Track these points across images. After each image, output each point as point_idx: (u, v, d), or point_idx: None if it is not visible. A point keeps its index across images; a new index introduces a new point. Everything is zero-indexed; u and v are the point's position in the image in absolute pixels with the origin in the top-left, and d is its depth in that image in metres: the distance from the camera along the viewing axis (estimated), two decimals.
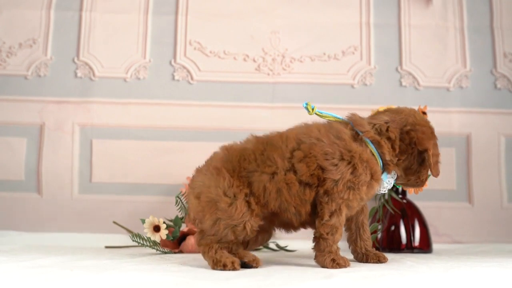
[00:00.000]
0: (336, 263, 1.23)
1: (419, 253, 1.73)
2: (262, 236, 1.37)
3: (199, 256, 1.51)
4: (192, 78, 2.03)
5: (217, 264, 1.20)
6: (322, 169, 1.23)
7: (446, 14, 2.09)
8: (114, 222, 1.86)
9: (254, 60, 2.05)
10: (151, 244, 1.60)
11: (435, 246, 1.85)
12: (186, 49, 2.05)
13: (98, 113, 1.99)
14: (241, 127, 1.99)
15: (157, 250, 1.62)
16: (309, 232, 1.51)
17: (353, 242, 1.39)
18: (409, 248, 1.75)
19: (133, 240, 1.62)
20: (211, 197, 1.24)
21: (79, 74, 2.02)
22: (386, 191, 1.36)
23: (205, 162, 1.34)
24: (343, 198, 1.23)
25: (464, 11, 2.09)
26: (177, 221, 1.66)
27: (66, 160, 1.96)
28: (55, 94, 2.00)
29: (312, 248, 1.27)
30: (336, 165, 1.23)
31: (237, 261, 1.21)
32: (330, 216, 1.23)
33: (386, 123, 1.30)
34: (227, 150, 1.31)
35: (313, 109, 1.31)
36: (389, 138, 1.28)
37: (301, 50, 2.05)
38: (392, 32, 2.08)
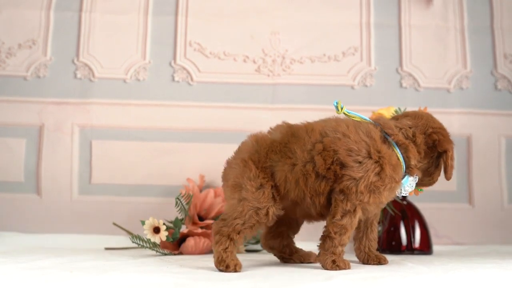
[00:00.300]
0: (336, 264, 1.22)
1: (420, 254, 1.73)
2: (293, 230, 1.41)
3: (199, 258, 1.51)
4: (192, 79, 2.03)
5: (221, 264, 1.20)
6: (342, 165, 1.23)
7: (446, 15, 2.09)
8: (114, 224, 1.85)
9: (254, 61, 2.04)
10: (151, 245, 1.60)
11: (435, 247, 1.85)
12: (186, 50, 2.05)
13: (97, 114, 1.99)
14: (241, 128, 1.98)
15: (157, 251, 1.61)
16: (309, 234, 1.51)
17: (358, 239, 1.39)
18: (409, 249, 1.74)
19: (133, 242, 1.61)
20: (237, 181, 1.28)
21: (78, 75, 2.02)
22: (407, 194, 1.36)
23: (234, 153, 1.36)
24: (361, 201, 1.22)
25: (464, 11, 2.09)
26: (177, 223, 1.66)
27: (65, 161, 1.96)
28: (55, 95, 2.00)
29: (318, 246, 1.27)
30: (360, 162, 1.22)
31: (240, 264, 1.21)
32: (342, 216, 1.23)
33: (410, 128, 1.31)
34: (256, 142, 1.32)
35: (342, 108, 1.31)
36: (415, 143, 1.29)
37: (301, 51, 2.05)
38: (392, 33, 2.08)
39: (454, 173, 1.98)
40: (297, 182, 1.25)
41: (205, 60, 2.04)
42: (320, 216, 1.32)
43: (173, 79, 2.03)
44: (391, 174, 1.23)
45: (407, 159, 1.28)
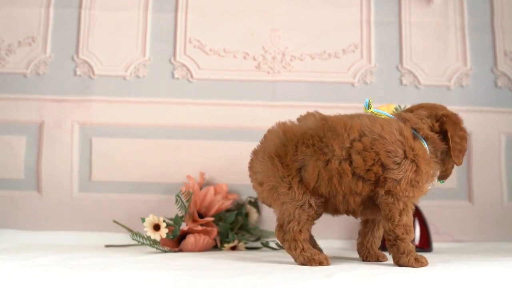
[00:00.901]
0: (420, 262, 1.24)
1: (419, 252, 1.73)
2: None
3: (200, 255, 1.51)
4: (192, 76, 2.03)
5: (312, 263, 1.24)
6: (383, 166, 1.23)
7: (446, 12, 2.09)
8: (114, 221, 1.85)
9: (254, 58, 2.04)
10: (151, 243, 1.60)
11: (435, 245, 1.85)
12: (186, 47, 2.04)
13: (97, 111, 1.98)
14: (241, 126, 1.98)
15: (157, 249, 1.61)
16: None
17: (363, 234, 1.41)
18: None
19: (133, 239, 1.61)
20: (271, 184, 1.30)
21: (78, 72, 2.01)
22: (433, 187, 1.36)
23: (260, 143, 1.37)
24: (407, 196, 1.24)
25: (464, 9, 2.09)
26: (177, 220, 1.66)
27: (65, 158, 1.96)
28: (54, 93, 1.99)
29: (389, 252, 1.28)
30: (399, 163, 1.23)
31: (327, 257, 1.26)
32: (400, 215, 1.24)
33: (428, 117, 1.32)
34: (283, 133, 1.31)
35: (370, 107, 1.31)
36: (433, 131, 1.31)
37: (301, 48, 2.05)
38: (392, 30, 2.08)
39: (454, 171, 1.99)
40: (331, 179, 1.25)
41: (205, 57, 2.04)
42: (347, 213, 1.33)
43: (173, 76, 2.03)
44: (427, 169, 1.26)
45: (434, 151, 1.29)
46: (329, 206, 1.31)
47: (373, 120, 1.28)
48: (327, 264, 1.25)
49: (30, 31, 2.03)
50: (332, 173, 1.25)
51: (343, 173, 1.24)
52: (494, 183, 1.99)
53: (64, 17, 2.04)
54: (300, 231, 1.27)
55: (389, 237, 1.26)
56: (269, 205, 1.38)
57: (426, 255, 1.55)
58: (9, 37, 2.02)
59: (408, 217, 1.25)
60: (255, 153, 1.38)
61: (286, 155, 1.28)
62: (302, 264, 1.26)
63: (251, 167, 1.39)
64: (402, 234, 1.24)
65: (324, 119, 1.30)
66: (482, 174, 1.99)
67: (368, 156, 1.23)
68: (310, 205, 1.27)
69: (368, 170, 1.24)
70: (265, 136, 1.36)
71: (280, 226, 1.30)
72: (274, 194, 1.30)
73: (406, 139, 1.25)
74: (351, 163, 1.24)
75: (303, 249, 1.26)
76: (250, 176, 1.40)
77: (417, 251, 1.73)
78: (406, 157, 1.24)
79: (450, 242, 1.93)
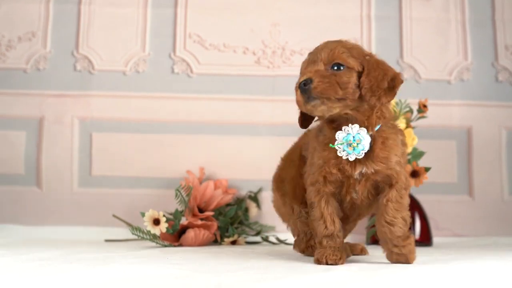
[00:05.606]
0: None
1: (420, 246, 1.73)
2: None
3: (199, 249, 1.51)
4: (191, 71, 2.02)
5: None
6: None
7: (447, 7, 2.08)
8: (114, 216, 1.86)
9: (254, 53, 2.04)
10: (151, 237, 1.60)
11: (435, 239, 1.85)
12: (186, 42, 2.04)
13: (97, 106, 1.98)
14: (241, 120, 1.98)
15: (157, 243, 1.62)
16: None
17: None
18: None
19: (133, 234, 1.62)
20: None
21: (78, 68, 2.01)
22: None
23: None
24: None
25: (465, 3, 2.08)
26: (177, 214, 1.66)
27: (65, 153, 1.96)
28: (55, 88, 1.99)
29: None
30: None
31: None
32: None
33: None
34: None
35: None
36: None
37: (301, 43, 2.04)
38: (393, 25, 2.07)
39: (455, 165, 2.00)
40: None
41: (204, 52, 2.03)
42: None
43: (172, 71, 2.02)
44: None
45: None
46: None
47: None
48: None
49: (30, 27, 2.03)
50: None
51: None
52: (495, 178, 1.99)
53: (64, 13, 2.04)
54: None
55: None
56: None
57: (426, 249, 1.55)
58: (9, 33, 2.02)
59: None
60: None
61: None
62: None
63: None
64: None
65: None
66: (482, 169, 1.99)
67: None
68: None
69: None
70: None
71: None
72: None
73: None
74: None
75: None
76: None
77: (417, 245, 1.73)
78: None
79: (451, 236, 1.93)
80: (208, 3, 2.06)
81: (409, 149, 1.74)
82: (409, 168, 1.73)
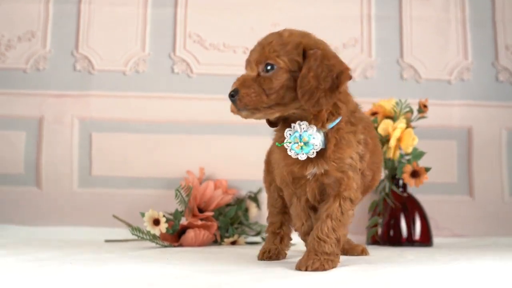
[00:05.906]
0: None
1: (420, 246, 1.73)
2: None
3: (199, 249, 1.51)
4: (191, 71, 2.02)
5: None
6: None
7: (448, 6, 2.08)
8: (114, 216, 1.85)
9: None
10: (151, 237, 1.60)
11: (435, 239, 1.85)
12: (186, 42, 2.04)
13: (97, 106, 1.98)
14: (241, 120, 1.97)
15: (156, 243, 1.61)
16: None
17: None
18: (410, 241, 1.74)
19: (132, 234, 1.61)
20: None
21: (78, 67, 2.01)
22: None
23: None
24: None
25: (466, 3, 2.08)
26: (176, 215, 1.66)
27: (65, 153, 1.96)
28: (54, 88, 1.99)
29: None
30: None
31: None
32: None
33: None
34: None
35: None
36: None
37: None
38: (393, 24, 2.07)
39: (455, 165, 2.00)
40: None
41: (204, 52, 2.03)
42: None
43: (172, 71, 2.02)
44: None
45: None
46: None
47: None
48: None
49: (30, 27, 2.02)
50: None
51: None
52: (495, 178, 1.98)
53: (64, 12, 2.03)
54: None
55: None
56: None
57: (426, 249, 1.55)
58: (9, 33, 2.02)
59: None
60: None
61: None
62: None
63: None
64: None
65: None
66: (483, 169, 1.98)
67: None
68: None
69: None
70: None
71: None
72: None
73: None
74: None
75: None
76: None
77: (417, 245, 1.74)
78: None
79: (451, 236, 1.93)
80: (208, 3, 2.06)
81: (409, 149, 1.74)
82: (409, 168, 1.73)
